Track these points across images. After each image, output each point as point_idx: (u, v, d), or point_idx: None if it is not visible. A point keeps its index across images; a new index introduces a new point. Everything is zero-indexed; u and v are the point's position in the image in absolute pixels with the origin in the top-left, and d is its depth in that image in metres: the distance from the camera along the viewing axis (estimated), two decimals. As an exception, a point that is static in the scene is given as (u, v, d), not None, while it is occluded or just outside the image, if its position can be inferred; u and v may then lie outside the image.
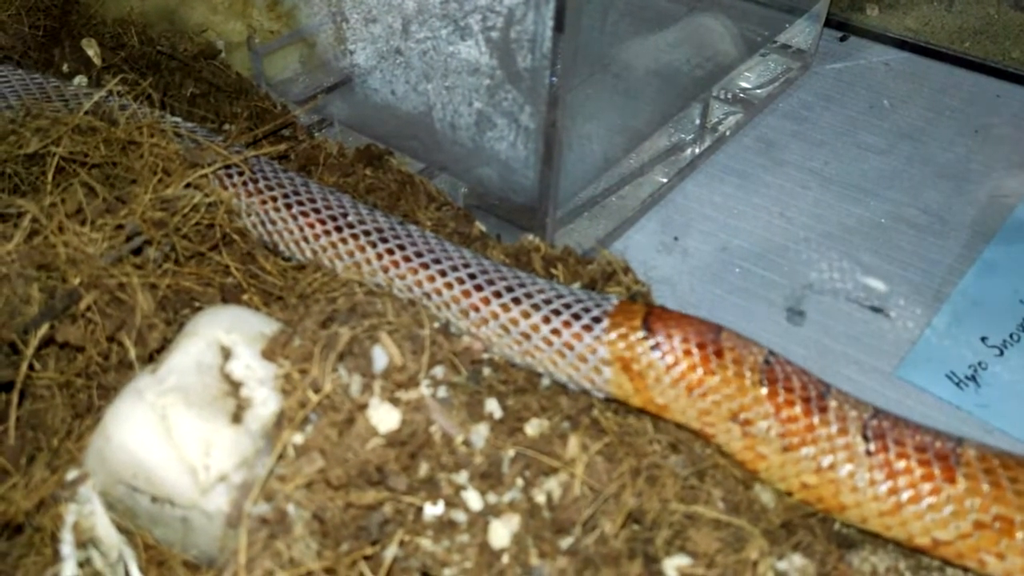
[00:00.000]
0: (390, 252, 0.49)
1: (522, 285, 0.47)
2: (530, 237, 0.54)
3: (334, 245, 0.50)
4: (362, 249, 0.50)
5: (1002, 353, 0.57)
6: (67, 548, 0.36)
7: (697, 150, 0.74)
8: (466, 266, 0.48)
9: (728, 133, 0.76)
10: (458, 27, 0.53)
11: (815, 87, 0.84)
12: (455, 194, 0.61)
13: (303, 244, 0.51)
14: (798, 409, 0.42)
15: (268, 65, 0.67)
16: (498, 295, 0.47)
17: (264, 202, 0.52)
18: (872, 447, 0.40)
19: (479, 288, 0.47)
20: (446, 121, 0.57)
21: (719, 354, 0.43)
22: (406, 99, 0.58)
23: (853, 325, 0.60)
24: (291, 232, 0.51)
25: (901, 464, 0.40)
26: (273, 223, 0.52)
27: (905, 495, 0.40)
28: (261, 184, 0.52)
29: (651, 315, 0.44)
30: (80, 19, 0.68)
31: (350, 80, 0.65)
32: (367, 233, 0.50)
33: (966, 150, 0.76)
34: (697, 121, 0.74)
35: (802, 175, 0.73)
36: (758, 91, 0.80)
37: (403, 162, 0.59)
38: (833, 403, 0.42)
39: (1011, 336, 0.58)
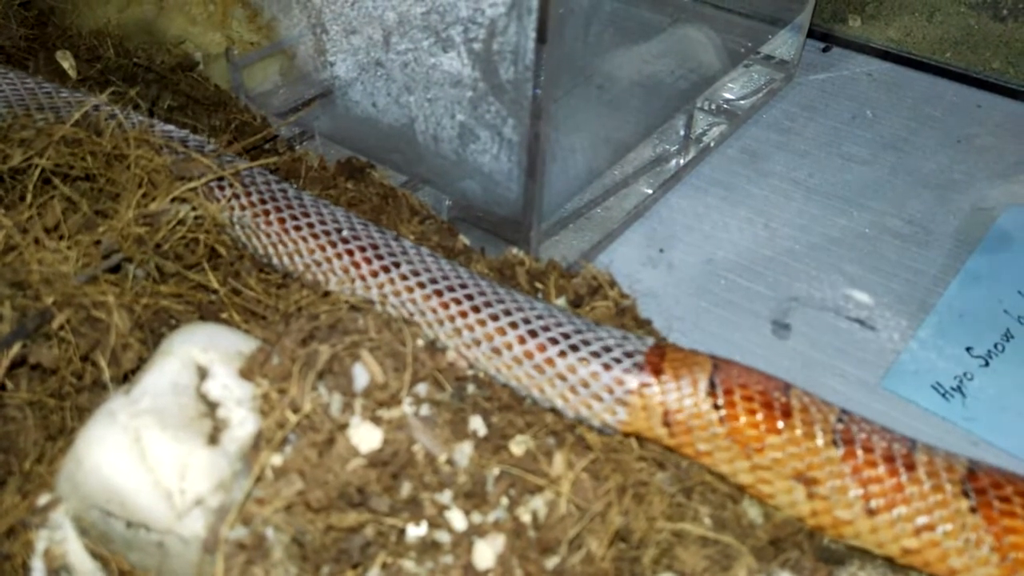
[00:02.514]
0: (385, 269, 0.48)
1: (559, 324, 0.46)
2: (514, 251, 0.53)
3: (328, 260, 0.49)
4: (356, 265, 0.49)
5: (987, 364, 0.57)
6: (38, 575, 0.35)
7: (681, 161, 0.73)
8: (463, 286, 0.48)
9: (712, 144, 0.75)
10: (440, 39, 0.52)
11: (798, 98, 0.84)
12: (439, 207, 0.60)
13: (296, 258, 0.50)
14: (881, 469, 0.40)
15: (247, 77, 0.67)
16: (533, 334, 0.45)
17: (256, 215, 0.51)
18: (975, 503, 0.39)
19: (495, 317, 0.46)
20: (428, 134, 0.56)
21: (787, 413, 0.42)
22: (387, 111, 0.58)
23: (838, 337, 0.60)
24: (284, 245, 0.50)
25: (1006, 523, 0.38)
26: (267, 236, 0.51)
27: (1012, 557, 0.38)
28: (254, 196, 0.51)
29: (716, 368, 0.43)
30: (55, 31, 0.68)
31: (330, 92, 0.64)
32: (362, 249, 0.49)
33: (949, 160, 0.76)
34: (681, 132, 0.74)
35: (786, 186, 0.73)
36: (742, 102, 0.80)
37: (385, 175, 0.58)
38: (922, 458, 0.40)
39: (995, 346, 0.58)
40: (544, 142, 0.51)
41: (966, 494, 0.39)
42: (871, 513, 0.40)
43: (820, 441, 0.41)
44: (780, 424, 0.41)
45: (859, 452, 0.40)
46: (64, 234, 0.45)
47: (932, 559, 0.40)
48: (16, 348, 0.41)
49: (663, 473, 0.42)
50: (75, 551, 0.37)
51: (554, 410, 0.46)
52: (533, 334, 0.45)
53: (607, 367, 0.44)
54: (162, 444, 0.37)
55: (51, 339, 0.42)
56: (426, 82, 0.54)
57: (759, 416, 0.42)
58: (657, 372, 0.43)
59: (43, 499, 0.37)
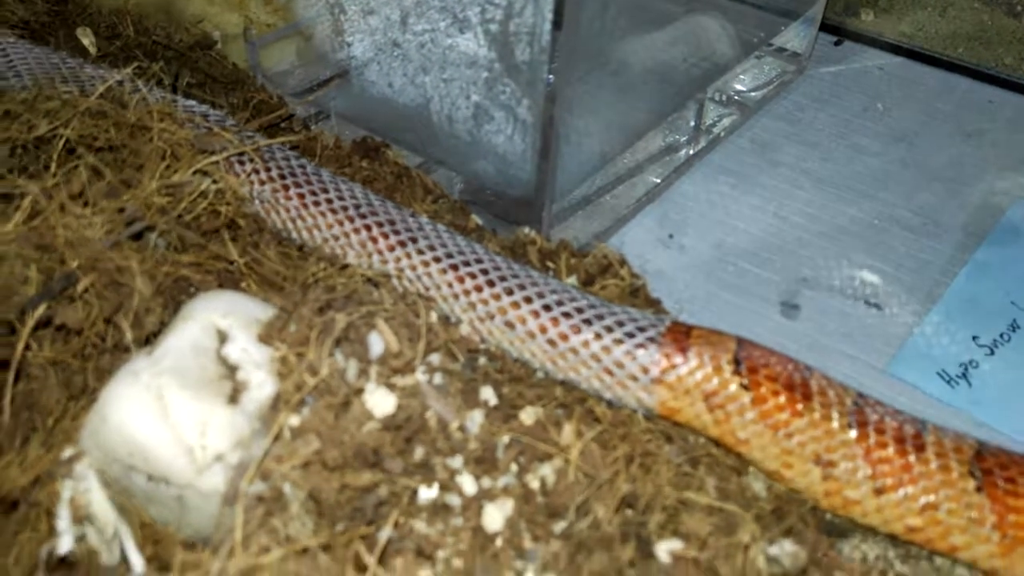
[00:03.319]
0: (402, 244, 0.49)
1: (592, 307, 0.46)
2: (526, 230, 0.54)
3: (346, 235, 0.50)
4: (374, 240, 0.50)
5: (992, 352, 0.58)
6: (63, 523, 0.36)
7: (692, 150, 0.74)
8: (478, 261, 0.49)
9: (723, 134, 0.76)
10: (457, 19, 0.53)
11: (810, 90, 0.84)
12: (451, 189, 0.61)
13: (315, 232, 0.51)
14: (891, 450, 0.41)
15: (264, 57, 0.68)
16: (567, 316, 0.46)
17: (276, 190, 0.52)
18: (981, 483, 0.40)
19: (534, 304, 0.46)
20: (443, 114, 0.57)
21: (807, 395, 0.42)
22: (403, 92, 0.59)
23: (846, 322, 0.61)
24: (303, 219, 0.51)
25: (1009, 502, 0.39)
26: (287, 210, 0.52)
27: (1012, 535, 0.39)
28: (273, 171, 0.52)
29: (741, 348, 0.44)
30: (75, 8, 0.69)
31: (346, 73, 0.65)
32: (379, 224, 0.50)
33: (959, 153, 0.77)
34: (692, 123, 0.75)
35: (796, 175, 0.74)
36: (753, 94, 0.80)
37: (399, 154, 0.59)
38: (931, 439, 0.41)
39: (1001, 336, 0.59)
40: (558, 123, 0.52)
41: (972, 474, 0.40)
42: (878, 492, 0.41)
43: (836, 424, 0.42)
44: (801, 406, 0.42)
45: (871, 434, 0.41)
46: (88, 201, 0.46)
47: (934, 536, 0.40)
48: (41, 309, 0.42)
49: (670, 445, 0.43)
50: (98, 501, 0.38)
51: (564, 383, 0.47)
52: (547, 308, 0.46)
53: (635, 346, 0.44)
54: (183, 402, 0.38)
55: (75, 301, 0.43)
56: (442, 62, 0.55)
57: (783, 398, 0.42)
58: (683, 350, 0.44)
59: (67, 452, 0.39)
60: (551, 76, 0.50)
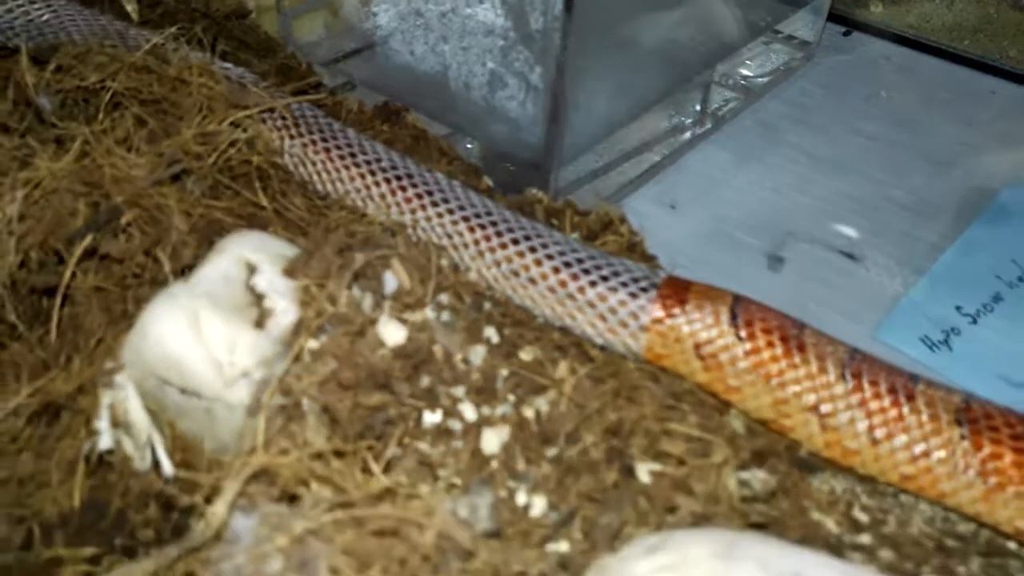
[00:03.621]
0: (419, 196, 0.53)
1: (591, 258, 0.50)
2: (534, 190, 0.58)
3: (367, 187, 0.55)
4: (393, 192, 0.54)
5: (975, 321, 0.61)
6: (103, 424, 0.40)
7: (698, 131, 0.77)
8: (488, 214, 0.52)
9: (729, 116, 0.79)
10: (476, -9, 0.57)
11: (817, 77, 0.87)
12: (472, 155, 0.65)
13: (339, 184, 0.55)
14: (886, 401, 0.43)
15: (296, 27, 0.72)
16: (550, 257, 0.49)
17: (304, 145, 0.56)
18: (966, 432, 0.42)
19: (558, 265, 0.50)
20: (461, 81, 0.61)
21: (802, 347, 0.45)
22: (424, 60, 0.63)
23: (835, 291, 0.64)
24: (328, 173, 0.56)
25: (992, 450, 0.41)
26: (313, 164, 0.56)
27: (993, 481, 0.41)
28: (302, 128, 0.56)
29: (736, 302, 0.47)
30: (121, -24, 0.73)
31: (372, 46, 0.69)
32: (398, 178, 0.54)
33: (958, 141, 0.80)
34: (699, 106, 0.78)
35: (797, 155, 0.77)
36: (760, 79, 0.84)
37: (418, 119, 0.63)
38: (922, 389, 0.43)
39: (984, 306, 0.62)
40: (567, 91, 0.56)
41: (959, 423, 0.42)
42: (875, 443, 0.43)
43: (832, 375, 0.44)
44: (797, 358, 0.44)
45: (866, 385, 0.44)
46: (132, 146, 0.50)
47: (926, 484, 0.43)
48: (88, 240, 0.46)
49: (656, 384, 0.47)
50: (135, 409, 0.42)
51: (563, 329, 0.50)
52: (550, 257, 0.50)
53: (633, 296, 0.48)
54: (215, 323, 0.43)
55: (119, 234, 0.47)
56: (461, 31, 0.59)
57: (778, 349, 0.45)
58: (682, 302, 0.47)
59: (108, 365, 0.43)
60: (563, 45, 0.53)
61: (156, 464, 0.43)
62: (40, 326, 0.48)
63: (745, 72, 0.83)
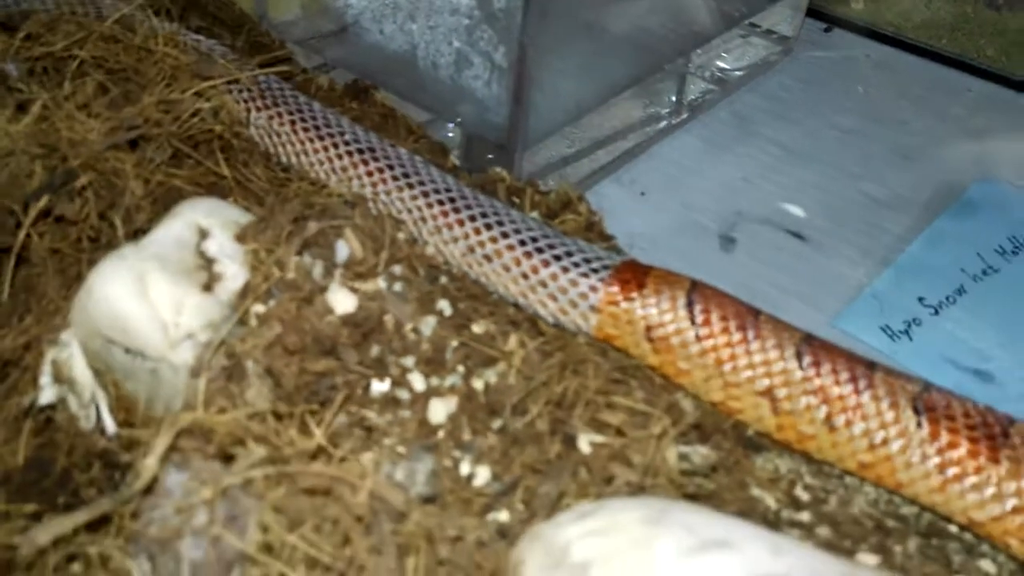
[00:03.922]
0: (380, 171, 0.54)
1: (547, 237, 0.50)
2: (497, 169, 0.58)
3: (330, 160, 0.55)
4: (355, 165, 0.54)
5: (937, 312, 0.61)
6: (45, 378, 0.40)
7: (673, 120, 0.78)
8: (447, 190, 0.52)
9: (704, 107, 0.80)
10: (444, -32, 0.57)
11: (795, 71, 0.88)
12: (453, 144, 0.65)
13: (302, 156, 0.55)
14: (847, 388, 0.43)
15: (271, 6, 0.72)
16: (505, 236, 0.49)
17: (270, 117, 0.56)
18: (924, 421, 0.41)
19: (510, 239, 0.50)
20: (428, 60, 0.61)
21: (758, 334, 0.45)
22: (393, 38, 0.63)
23: (797, 279, 0.64)
24: (292, 145, 0.56)
25: (949, 439, 0.41)
26: (278, 135, 0.56)
27: (951, 472, 0.40)
28: (268, 99, 0.56)
29: (693, 289, 0.47)
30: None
31: (345, 28, 0.69)
32: (360, 151, 0.54)
33: (931, 137, 0.80)
34: (673, 97, 0.78)
35: (771, 147, 0.77)
36: (737, 72, 0.84)
37: (387, 97, 0.63)
38: (880, 375, 0.43)
39: (947, 298, 0.62)
40: (530, 70, 0.56)
41: (917, 411, 0.42)
42: (833, 429, 0.43)
43: (787, 361, 0.44)
44: (752, 344, 0.44)
45: (823, 371, 0.43)
46: (92, 111, 0.50)
47: (884, 473, 0.42)
48: (44, 202, 0.47)
49: (604, 359, 0.47)
50: (79, 366, 0.42)
51: (516, 306, 0.51)
52: (505, 236, 0.50)
53: (584, 276, 0.48)
54: (162, 284, 0.43)
55: (74, 197, 0.47)
56: (428, 10, 0.59)
57: (733, 336, 0.45)
58: (640, 287, 0.48)
59: (56, 322, 0.43)
60: (524, 24, 0.53)
61: (100, 423, 0.43)
62: (-6, 287, 0.48)
63: (722, 64, 0.83)
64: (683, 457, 0.42)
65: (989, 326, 0.59)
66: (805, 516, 0.41)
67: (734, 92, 0.83)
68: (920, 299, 0.62)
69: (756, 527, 0.36)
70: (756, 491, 0.42)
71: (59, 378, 0.41)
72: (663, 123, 0.77)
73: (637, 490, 0.40)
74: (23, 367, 0.43)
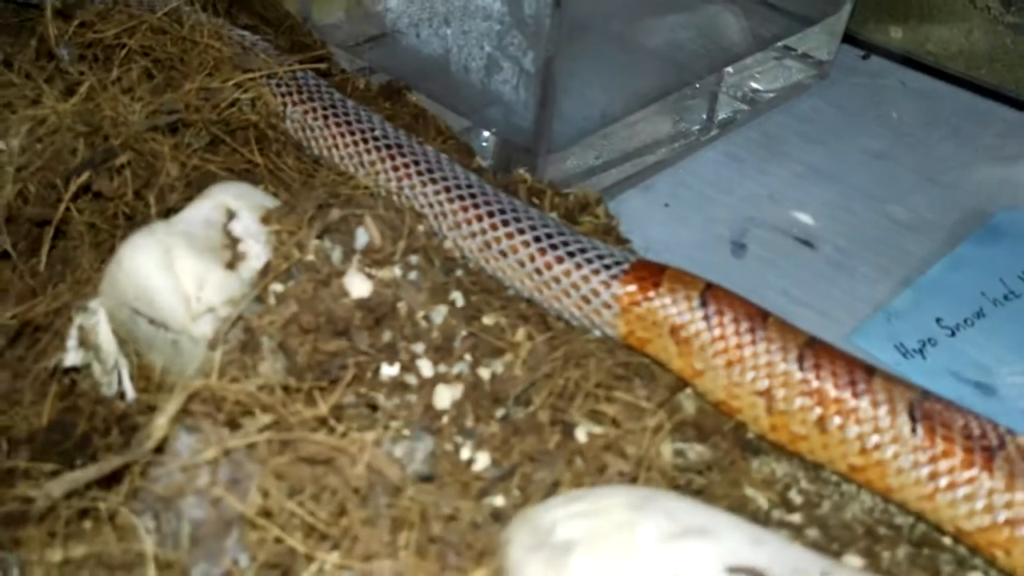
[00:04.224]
0: (406, 166, 0.55)
1: (572, 237, 0.51)
2: (520, 170, 0.59)
3: (359, 154, 0.57)
4: (383, 160, 0.56)
5: (953, 334, 0.61)
6: (72, 341, 0.43)
7: (703, 137, 0.78)
8: (469, 186, 0.54)
9: (735, 126, 0.80)
10: (478, -25, 0.59)
11: (829, 96, 0.88)
12: (485, 149, 0.66)
13: (333, 150, 0.58)
14: (845, 391, 0.43)
15: (316, 9, 0.75)
16: (527, 235, 0.51)
17: (305, 111, 0.59)
18: (919, 427, 0.41)
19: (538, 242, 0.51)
20: (460, 64, 0.63)
21: (766, 335, 0.45)
22: (428, 42, 0.65)
23: (817, 294, 0.64)
24: (324, 139, 0.58)
25: (943, 448, 0.41)
26: (311, 129, 0.58)
27: (943, 480, 0.40)
28: (304, 94, 0.59)
29: (707, 289, 0.47)
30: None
31: (386, 35, 0.72)
32: (388, 147, 0.56)
33: (963, 164, 0.80)
34: (705, 114, 0.79)
35: (799, 167, 0.78)
36: (769, 93, 0.84)
37: (420, 99, 0.66)
38: (879, 380, 0.43)
39: (965, 321, 0.62)
40: (557, 76, 0.57)
41: (913, 417, 0.41)
42: (825, 431, 0.43)
43: (788, 362, 0.44)
44: (759, 345, 0.45)
45: (823, 373, 0.43)
46: (136, 96, 0.53)
47: (874, 477, 0.42)
48: (84, 177, 0.49)
49: (609, 356, 0.48)
50: (104, 333, 0.44)
51: (530, 301, 0.52)
52: (530, 237, 0.51)
53: (610, 277, 0.49)
54: (188, 259, 0.45)
55: (113, 175, 0.50)
56: (463, 14, 0.61)
57: (743, 337, 0.45)
58: (656, 285, 0.48)
59: (87, 291, 0.45)
60: (553, 30, 0.55)
61: (121, 389, 0.45)
62: (34, 257, 0.50)
63: (755, 85, 0.84)
64: (679, 453, 0.43)
65: (1007, 349, 0.59)
66: (796, 518, 0.42)
67: (766, 112, 0.83)
68: (938, 320, 0.62)
69: (739, 519, 0.36)
70: (749, 491, 0.43)
71: (84, 343, 0.43)
72: (692, 138, 0.78)
73: (630, 481, 0.40)
74: (53, 332, 0.45)
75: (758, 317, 0.47)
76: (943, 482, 0.41)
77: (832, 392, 0.43)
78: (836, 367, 0.44)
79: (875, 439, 0.42)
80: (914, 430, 0.42)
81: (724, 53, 0.74)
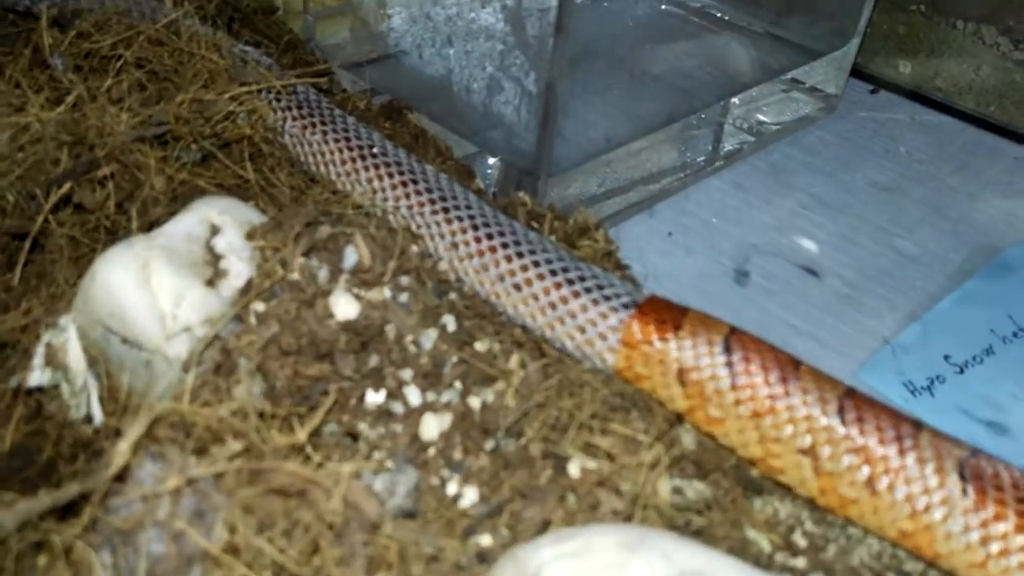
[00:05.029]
0: (404, 184, 0.54)
1: (549, 254, 0.49)
2: (520, 194, 0.58)
3: (356, 171, 0.55)
4: (380, 178, 0.55)
5: (962, 372, 0.59)
6: (38, 360, 0.41)
7: (709, 168, 0.77)
8: (468, 207, 0.52)
9: (741, 157, 0.79)
10: (481, -5, 0.58)
11: (837, 129, 0.87)
12: (490, 176, 0.64)
13: (331, 167, 0.56)
14: (892, 448, 0.40)
15: (319, 29, 0.74)
16: (535, 264, 0.49)
17: (304, 127, 0.57)
18: (970, 488, 0.38)
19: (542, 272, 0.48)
20: (462, 84, 0.62)
21: (800, 386, 0.42)
22: (431, 63, 0.64)
23: (822, 328, 0.62)
24: (322, 155, 0.56)
25: (995, 511, 0.38)
26: (309, 144, 0.57)
27: (995, 546, 0.38)
28: (303, 109, 0.57)
29: (732, 334, 0.44)
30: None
31: (389, 56, 0.70)
32: (387, 164, 0.54)
33: (973, 200, 0.78)
34: (710, 145, 0.78)
35: (806, 199, 0.76)
36: (775, 125, 0.83)
37: (420, 119, 0.64)
38: (927, 436, 0.40)
39: (974, 358, 0.60)
40: (560, 97, 0.56)
41: (963, 478, 0.38)
42: (874, 492, 0.40)
43: (828, 417, 0.41)
44: (792, 397, 0.41)
45: (867, 428, 0.40)
46: (126, 106, 0.51)
47: (923, 543, 0.39)
48: (65, 187, 0.47)
49: (605, 385, 0.45)
50: (74, 352, 0.42)
51: (525, 328, 0.50)
52: (522, 256, 0.49)
53: (613, 310, 0.47)
54: (166, 274, 0.43)
55: (95, 186, 0.48)
56: (465, 35, 0.59)
57: (774, 387, 0.42)
58: (676, 328, 0.45)
59: (59, 307, 0.43)
60: (555, 51, 0.54)
61: (89, 413, 0.43)
62: (9, 271, 0.48)
63: (762, 117, 0.83)
64: (676, 491, 0.40)
65: (1019, 386, 0.57)
66: (800, 562, 0.39)
67: (773, 144, 0.82)
68: (946, 357, 0.60)
69: (741, 563, 0.34)
70: (751, 532, 0.40)
71: (52, 362, 0.41)
72: (697, 169, 0.76)
73: (624, 519, 0.38)
74: (21, 350, 0.43)
75: (789, 365, 0.43)
76: (995, 548, 0.38)
77: (878, 450, 0.40)
78: (880, 421, 0.41)
79: (924, 501, 0.39)
80: (964, 491, 0.38)
81: (731, 82, 0.73)
